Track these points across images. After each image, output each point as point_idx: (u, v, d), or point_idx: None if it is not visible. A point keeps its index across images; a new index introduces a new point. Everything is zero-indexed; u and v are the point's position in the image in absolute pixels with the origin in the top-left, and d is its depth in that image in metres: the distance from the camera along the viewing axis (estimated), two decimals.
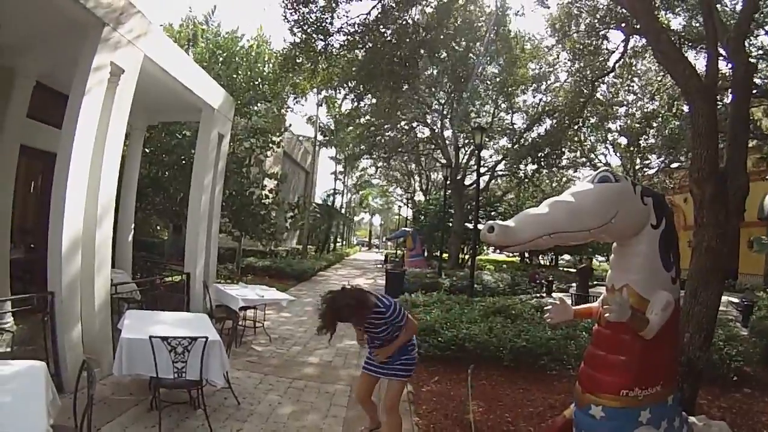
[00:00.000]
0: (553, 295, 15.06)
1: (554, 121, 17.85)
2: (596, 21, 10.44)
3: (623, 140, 21.96)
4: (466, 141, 23.31)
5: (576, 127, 17.70)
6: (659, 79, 13.65)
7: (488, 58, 17.24)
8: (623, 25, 8.27)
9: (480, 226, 21.30)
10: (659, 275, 2.89)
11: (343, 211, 41.14)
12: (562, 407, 5.00)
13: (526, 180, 23.09)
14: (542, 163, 19.92)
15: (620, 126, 20.45)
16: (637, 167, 21.42)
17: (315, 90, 17.93)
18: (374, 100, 17.45)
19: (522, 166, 21.28)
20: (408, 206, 45.60)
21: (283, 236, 21.37)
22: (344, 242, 50.23)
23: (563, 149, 19.81)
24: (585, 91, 13.42)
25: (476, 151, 14.33)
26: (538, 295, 14.46)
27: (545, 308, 3.39)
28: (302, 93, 13.27)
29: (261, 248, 18.88)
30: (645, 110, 17.09)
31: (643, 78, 15.14)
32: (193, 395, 4.27)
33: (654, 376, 2.84)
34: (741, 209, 4.23)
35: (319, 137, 28.61)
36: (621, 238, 2.96)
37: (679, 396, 3.21)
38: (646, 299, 2.84)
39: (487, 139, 21.17)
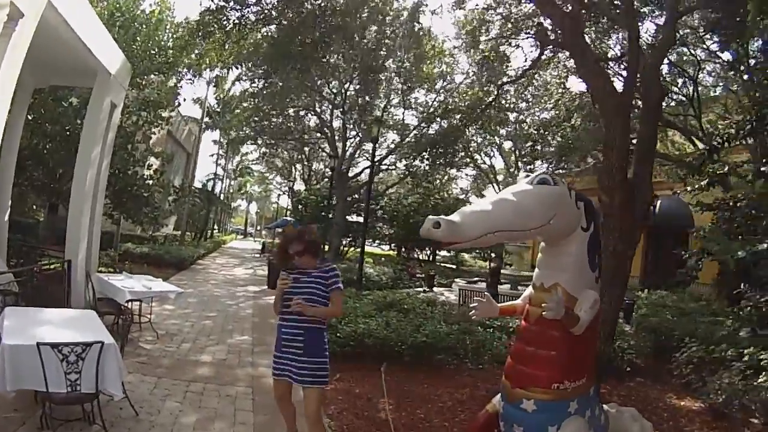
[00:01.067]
0: (435, 289, 15.55)
1: (450, 120, 18.29)
2: (509, 29, 10.92)
3: (508, 144, 23.42)
4: (353, 133, 23.20)
5: (475, 128, 18.40)
6: (560, 91, 14.71)
7: (397, 51, 17.31)
8: (541, 36, 8.77)
9: (370, 219, 21.19)
10: (586, 275, 3.02)
11: (222, 197, 39.40)
12: (471, 402, 5.18)
13: (418, 176, 23.56)
14: (436, 161, 20.56)
15: (507, 131, 21.71)
16: (521, 170, 22.91)
17: (208, 69, 16.81)
18: (267, 83, 16.72)
19: (418, 162, 21.76)
20: (288, 195, 43.98)
21: (165, 221, 19.81)
22: (221, 229, 48.15)
23: (457, 149, 20.50)
24: (488, 95, 14.04)
25: (371, 144, 14.17)
26: (423, 289, 14.80)
27: (471, 305, 3.43)
28: (209, 65, 12.25)
29: (140, 233, 17.26)
30: (536, 118, 18.30)
31: (541, 88, 16.20)
32: (86, 409, 3.62)
33: (580, 369, 2.97)
34: (647, 217, 4.70)
35: (205, 119, 27.13)
36: (554, 239, 3.05)
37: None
38: (574, 297, 2.95)
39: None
